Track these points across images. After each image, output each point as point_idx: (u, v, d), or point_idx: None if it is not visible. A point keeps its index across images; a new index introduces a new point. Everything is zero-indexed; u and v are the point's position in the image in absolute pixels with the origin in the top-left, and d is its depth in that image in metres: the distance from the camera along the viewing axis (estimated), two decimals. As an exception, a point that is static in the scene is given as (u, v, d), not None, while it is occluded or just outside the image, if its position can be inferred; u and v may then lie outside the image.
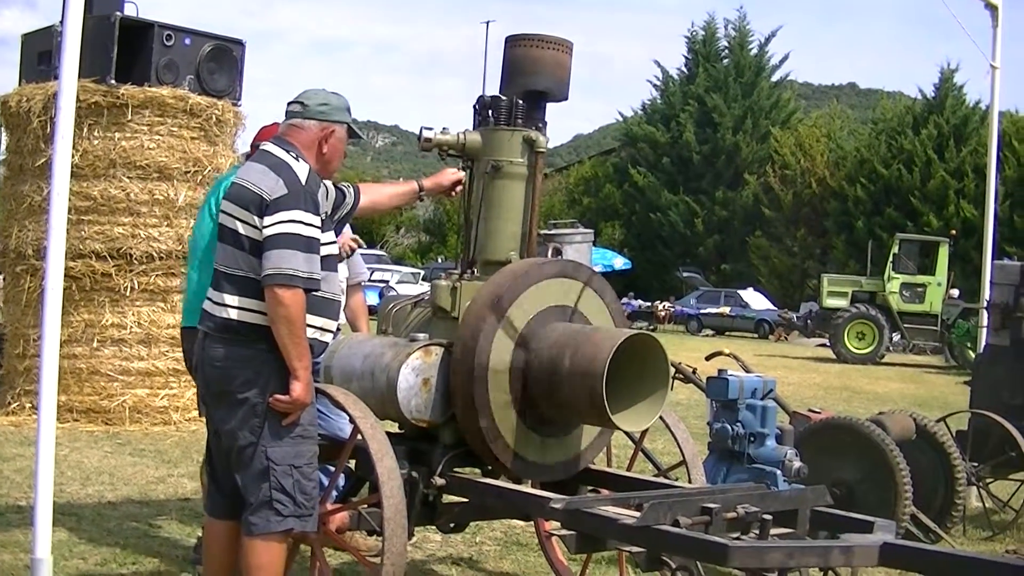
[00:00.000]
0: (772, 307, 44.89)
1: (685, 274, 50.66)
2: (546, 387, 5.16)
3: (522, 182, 5.55)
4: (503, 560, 7.07)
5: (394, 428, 5.60)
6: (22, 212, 11.57)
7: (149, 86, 11.42)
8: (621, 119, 63.70)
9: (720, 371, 6.96)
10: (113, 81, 11.24)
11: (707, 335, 43.48)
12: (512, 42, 5.71)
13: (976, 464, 8.62)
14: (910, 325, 31.14)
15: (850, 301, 31.69)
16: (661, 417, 6.02)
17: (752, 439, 6.76)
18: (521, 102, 5.62)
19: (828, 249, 51.05)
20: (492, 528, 7.65)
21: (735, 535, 4.50)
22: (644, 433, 6.20)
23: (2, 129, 12.13)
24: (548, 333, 5.24)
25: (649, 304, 48.01)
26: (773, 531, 4.59)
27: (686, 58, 60.60)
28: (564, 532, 4.69)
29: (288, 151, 4.88)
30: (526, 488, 5.23)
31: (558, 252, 5.82)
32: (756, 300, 45.62)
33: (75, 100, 10.49)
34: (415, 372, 5.20)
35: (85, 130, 11.17)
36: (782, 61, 60.09)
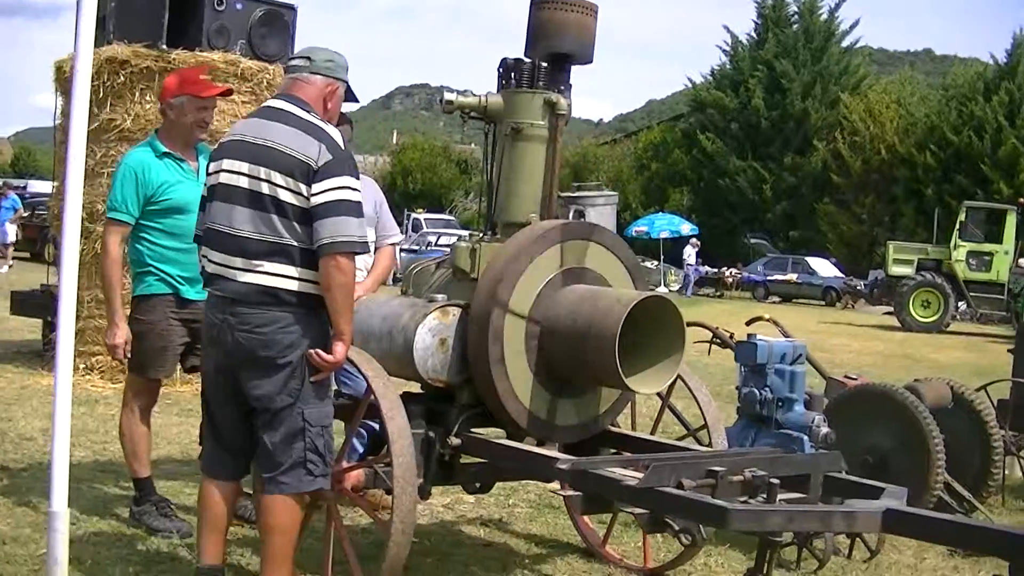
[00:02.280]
0: (839, 274, 44.55)
1: (753, 240, 50.36)
2: (561, 349, 5.19)
3: (542, 144, 5.57)
4: (533, 522, 7.11)
5: (416, 388, 5.67)
6: (75, 175, 11.69)
7: (200, 51, 11.45)
8: (690, 85, 63.20)
9: (750, 335, 6.94)
10: (164, 46, 11.28)
11: (774, 302, 43.22)
12: (537, 4, 5.71)
13: (1016, 434, 8.51)
14: (976, 294, 30.79)
15: (916, 269, 31.32)
16: (683, 380, 6.04)
17: (780, 404, 6.71)
18: (544, 65, 5.64)
19: (897, 216, 50.43)
20: (527, 490, 7.70)
21: (743, 499, 4.51)
22: (669, 393, 6.21)
23: (58, 93, 12.24)
24: (564, 295, 5.26)
25: (716, 270, 47.83)
26: (783, 495, 4.60)
27: (755, 23, 59.98)
28: (570, 492, 4.73)
29: (309, 111, 4.88)
30: (535, 448, 5.26)
31: (581, 214, 5.84)
32: (823, 267, 45.24)
33: (120, 64, 10.60)
34: (432, 332, 5.24)
35: (137, 95, 11.25)
36: (852, 26, 59.32)
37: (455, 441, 5.31)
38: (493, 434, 5.57)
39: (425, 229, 48.04)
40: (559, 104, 5.53)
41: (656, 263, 49.44)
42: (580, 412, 5.48)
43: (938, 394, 7.57)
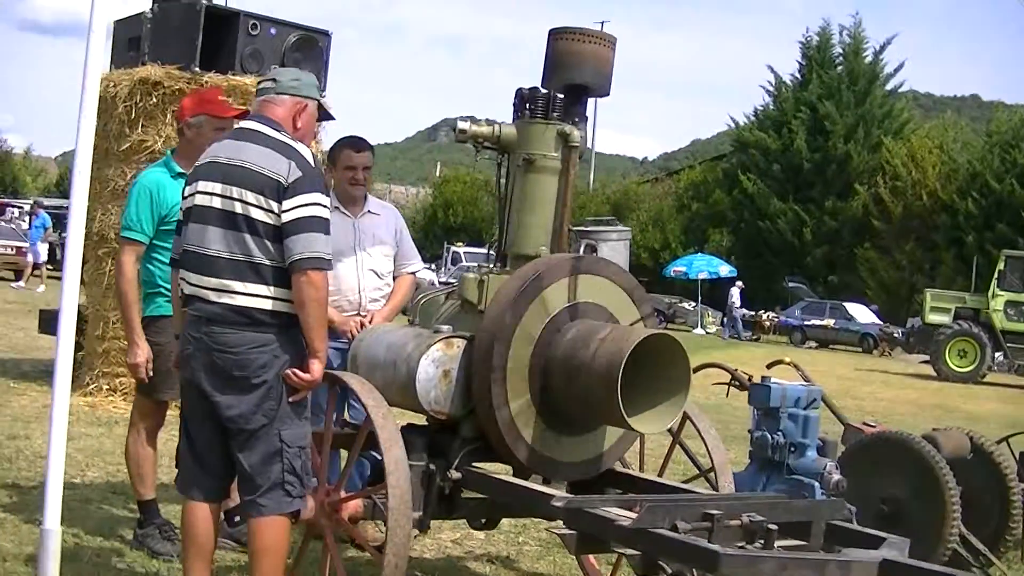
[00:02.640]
0: (877, 321, 44.30)
1: (791, 284, 50.11)
2: (564, 385, 5.13)
3: (555, 176, 5.54)
4: (540, 561, 7.04)
5: (422, 420, 5.63)
6: (106, 196, 11.72)
7: (233, 74, 11.52)
8: (732, 125, 63.17)
9: (763, 379, 6.86)
10: (197, 68, 11.34)
11: (810, 347, 43.04)
12: (555, 35, 5.70)
13: (1038, 487, 8.36)
14: (1014, 344, 30.52)
15: (953, 318, 31.12)
16: (692, 421, 5.97)
17: (792, 449, 6.64)
18: (559, 96, 5.60)
19: (937, 263, 50.14)
20: (538, 528, 7.61)
21: (740, 544, 4.44)
22: (679, 433, 6.15)
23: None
24: (570, 330, 5.21)
25: (754, 313, 47.69)
26: (782, 542, 4.53)
27: (800, 64, 59.96)
28: (565, 531, 4.66)
29: (279, 130, 4.92)
30: (531, 484, 5.19)
31: (593, 249, 5.79)
32: (861, 313, 45.00)
33: (156, 85, 10.66)
34: (435, 363, 5.21)
35: (169, 115, 11.24)
36: (897, 69, 59.09)
37: (455, 475, 5.27)
38: (501, 470, 5.52)
39: (464, 263, 48.09)
40: (572, 136, 5.50)
41: (694, 304, 49.35)
42: (583, 450, 5.42)
43: (956, 444, 7.45)
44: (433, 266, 47.95)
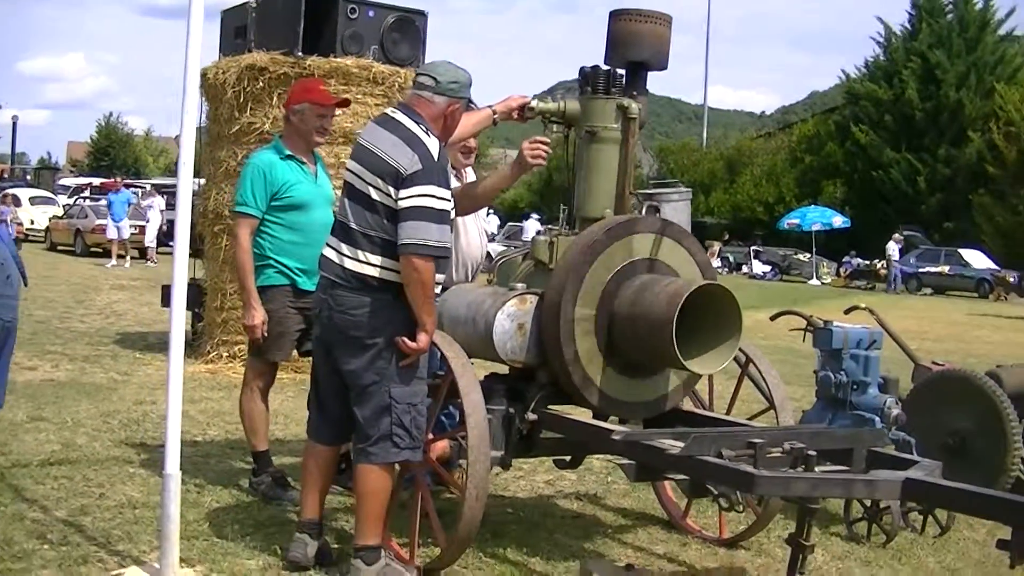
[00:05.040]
0: (993, 266, 43.95)
1: (906, 232, 49.85)
2: (626, 333, 5.66)
3: (616, 145, 6.06)
4: (626, 497, 7.57)
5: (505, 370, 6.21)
6: (219, 176, 12.45)
7: (335, 57, 12.12)
8: (844, 77, 62.74)
9: (826, 322, 7.34)
10: (300, 53, 11.95)
11: (926, 294, 42.91)
12: (615, 16, 6.21)
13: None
14: None
15: (1068, 259, 30.93)
16: (755, 364, 6.48)
17: (855, 387, 7.13)
18: (620, 72, 6.13)
19: (1055, 207, 49.44)
20: (628, 468, 8.15)
21: (784, 469, 4.93)
22: (743, 373, 6.63)
23: (204, 99, 13.00)
24: (631, 283, 5.73)
25: (869, 263, 47.55)
26: (824, 468, 5.00)
27: (909, 14, 59.42)
28: (623, 461, 5.23)
29: (418, 123, 5.40)
30: (596, 422, 5.77)
31: (655, 210, 6.29)
32: (977, 259, 44.70)
33: (262, 72, 11.29)
34: (510, 318, 5.78)
35: (275, 99, 11.87)
36: (1008, 15, 58.40)
37: (532, 416, 5.84)
38: (585, 413, 6.08)
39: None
40: (631, 109, 6.01)
41: (808, 255, 49.32)
42: (649, 391, 5.95)
43: (1020, 380, 7.81)
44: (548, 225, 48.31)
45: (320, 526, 5.80)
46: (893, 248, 44.32)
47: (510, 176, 6.48)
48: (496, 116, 6.25)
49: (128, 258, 32.04)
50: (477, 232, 7.10)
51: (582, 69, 6.19)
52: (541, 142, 6.11)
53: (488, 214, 7.44)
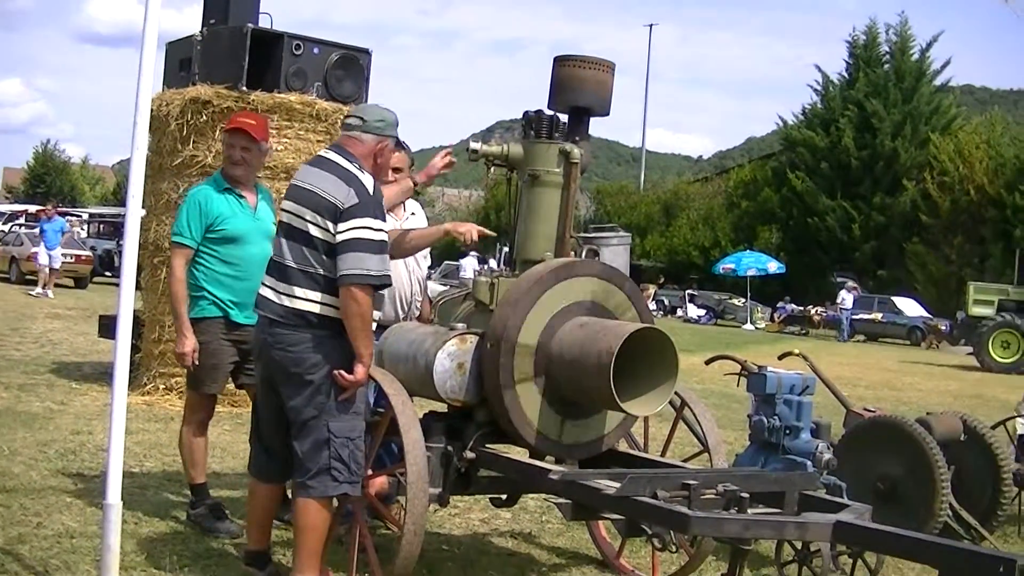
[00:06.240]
0: (926, 314, 44.53)
1: (840, 279, 50.40)
2: (565, 375, 5.74)
3: (557, 189, 6.17)
4: (560, 537, 7.63)
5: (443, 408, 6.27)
6: (160, 208, 12.42)
7: (279, 92, 12.18)
8: (781, 124, 63.52)
9: (760, 368, 7.46)
10: (245, 87, 11.99)
11: (858, 340, 43.40)
12: (559, 62, 6.32)
13: (1031, 467, 8.84)
14: (1056, 336, 30.74)
15: (996, 310, 31.46)
16: (690, 407, 6.58)
17: (787, 432, 7.24)
18: (561, 117, 6.24)
19: (985, 257, 50.30)
20: (562, 508, 8.22)
21: (716, 511, 5.03)
22: (677, 416, 6.71)
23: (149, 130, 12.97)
24: (570, 325, 5.82)
25: (803, 308, 48.09)
26: (757, 510, 5.11)
27: (847, 63, 60.38)
28: (560, 500, 5.30)
29: (351, 161, 5.57)
30: (533, 461, 5.84)
31: (595, 253, 6.39)
32: (910, 307, 45.27)
33: (205, 105, 11.29)
34: (451, 357, 5.85)
35: (218, 132, 11.81)
36: (944, 66, 59.54)
37: (470, 455, 5.91)
38: (523, 453, 6.14)
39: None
40: (572, 153, 6.12)
41: (743, 300, 49.79)
42: (585, 432, 6.03)
43: (949, 427, 7.98)
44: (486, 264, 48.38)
45: (267, 556, 5.96)
46: (846, 297, 44.62)
47: (437, 236, 6.71)
48: (418, 187, 6.69)
49: (51, 286, 31.52)
50: (406, 269, 7.21)
51: (526, 113, 6.29)
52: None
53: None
